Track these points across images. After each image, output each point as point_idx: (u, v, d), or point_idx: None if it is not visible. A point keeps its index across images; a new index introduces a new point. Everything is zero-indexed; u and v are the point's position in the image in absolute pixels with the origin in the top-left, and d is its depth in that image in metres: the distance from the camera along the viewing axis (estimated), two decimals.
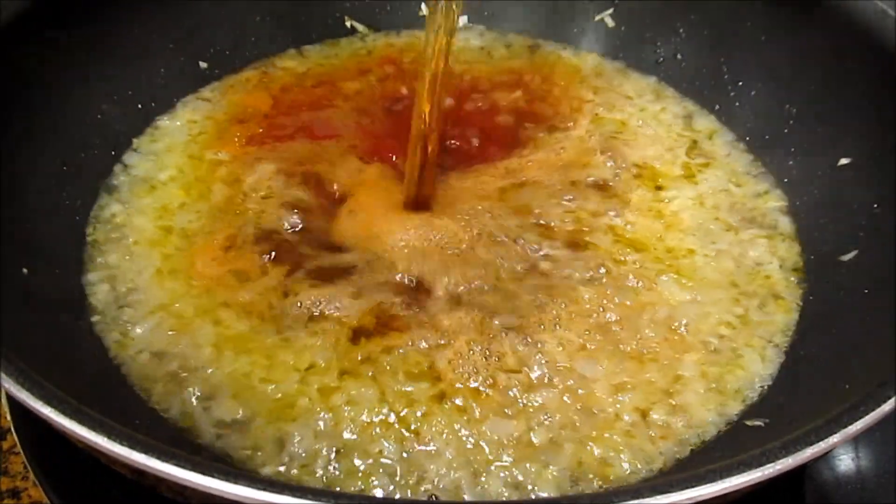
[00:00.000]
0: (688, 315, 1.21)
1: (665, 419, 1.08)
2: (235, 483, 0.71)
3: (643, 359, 1.15)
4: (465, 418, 1.06)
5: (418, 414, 1.06)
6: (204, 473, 0.71)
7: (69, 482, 1.14)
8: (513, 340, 1.15)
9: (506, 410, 1.07)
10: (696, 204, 1.39)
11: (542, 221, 1.32)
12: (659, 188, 1.41)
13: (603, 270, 1.25)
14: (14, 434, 1.18)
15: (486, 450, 1.03)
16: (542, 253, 1.27)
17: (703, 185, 1.43)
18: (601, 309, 1.20)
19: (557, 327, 1.17)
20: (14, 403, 1.20)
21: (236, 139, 1.48)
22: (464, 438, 1.04)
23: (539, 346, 1.14)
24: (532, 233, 1.30)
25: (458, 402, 1.08)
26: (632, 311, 1.20)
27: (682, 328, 1.19)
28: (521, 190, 1.38)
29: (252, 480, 0.71)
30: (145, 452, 0.73)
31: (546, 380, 1.11)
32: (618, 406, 1.09)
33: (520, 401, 1.08)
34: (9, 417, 1.20)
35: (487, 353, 1.13)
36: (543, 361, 1.13)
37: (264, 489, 0.70)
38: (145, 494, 1.07)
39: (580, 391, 1.10)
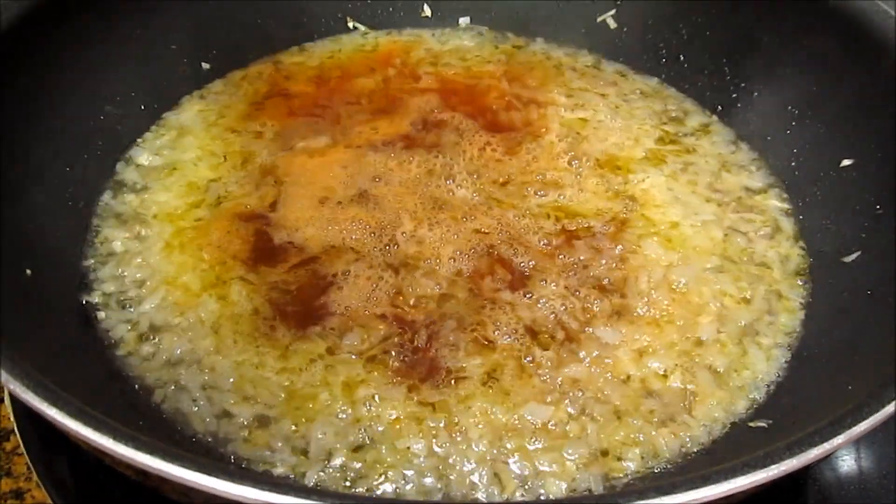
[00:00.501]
0: (685, 275, 1.24)
1: (681, 414, 1.10)
2: (240, 484, 0.71)
3: (660, 322, 1.19)
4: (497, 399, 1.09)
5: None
6: (208, 474, 0.71)
7: (72, 483, 1.14)
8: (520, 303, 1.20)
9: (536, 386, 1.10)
10: (669, 181, 1.41)
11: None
12: (623, 171, 1.43)
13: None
14: (17, 435, 1.18)
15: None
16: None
17: (680, 169, 1.45)
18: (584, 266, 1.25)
19: (553, 285, 1.22)
20: (17, 404, 1.20)
21: (277, 110, 1.53)
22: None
23: (546, 304, 1.19)
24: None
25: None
26: (628, 273, 1.25)
27: (683, 287, 1.23)
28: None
29: (256, 481, 0.71)
30: (150, 453, 0.73)
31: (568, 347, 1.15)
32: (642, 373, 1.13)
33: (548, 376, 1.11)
34: (11, 418, 1.20)
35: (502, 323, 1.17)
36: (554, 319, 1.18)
37: (268, 490, 0.70)
38: (148, 495, 1.08)
39: (607, 360, 1.14)
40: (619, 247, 1.28)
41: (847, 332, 1.14)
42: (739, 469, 0.73)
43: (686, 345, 1.16)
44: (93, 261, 1.26)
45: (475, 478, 1.01)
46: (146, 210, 1.33)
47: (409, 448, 1.03)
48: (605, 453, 1.04)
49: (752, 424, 1.07)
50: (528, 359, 1.13)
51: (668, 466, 1.04)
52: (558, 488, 1.01)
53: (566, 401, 1.08)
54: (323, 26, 1.74)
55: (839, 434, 0.77)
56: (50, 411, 0.77)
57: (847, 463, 1.17)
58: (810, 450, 0.76)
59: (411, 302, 1.19)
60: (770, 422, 1.06)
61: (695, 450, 1.06)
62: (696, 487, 0.70)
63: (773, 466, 0.74)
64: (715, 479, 0.72)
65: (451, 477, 1.01)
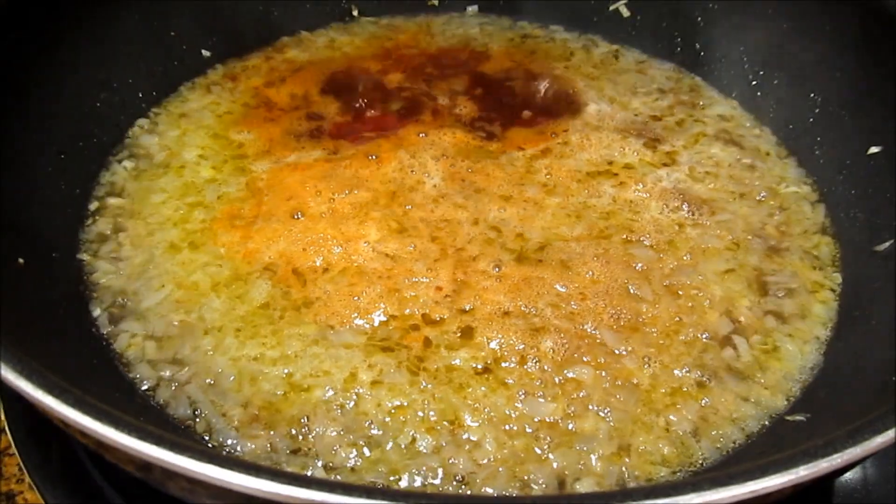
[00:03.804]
0: (691, 277, 1.19)
1: (703, 415, 1.03)
2: (256, 476, 0.65)
3: (671, 325, 1.13)
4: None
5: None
6: (224, 467, 0.65)
7: (66, 485, 1.08)
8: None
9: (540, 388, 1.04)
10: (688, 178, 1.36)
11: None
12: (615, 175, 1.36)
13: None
14: (8, 434, 1.12)
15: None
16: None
17: (696, 163, 1.39)
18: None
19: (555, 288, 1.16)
20: (8, 402, 1.14)
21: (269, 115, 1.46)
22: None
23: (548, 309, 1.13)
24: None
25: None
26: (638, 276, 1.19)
27: (692, 290, 1.17)
28: None
29: (274, 474, 0.65)
30: (156, 444, 0.68)
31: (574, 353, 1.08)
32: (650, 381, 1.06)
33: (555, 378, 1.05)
34: (2, 416, 1.14)
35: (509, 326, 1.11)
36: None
37: (288, 483, 0.65)
38: (143, 495, 1.02)
39: (614, 365, 1.07)
40: (630, 252, 1.22)
41: (882, 321, 1.09)
42: (800, 458, 0.67)
43: (705, 346, 1.11)
44: (88, 255, 1.21)
45: (487, 473, 0.96)
46: (143, 203, 1.28)
47: (413, 442, 0.99)
48: (628, 449, 0.99)
49: (789, 418, 1.02)
50: (533, 360, 1.07)
51: (705, 464, 0.99)
52: (586, 484, 0.95)
53: (574, 398, 1.03)
54: (326, 15, 1.70)
55: None
56: (46, 399, 0.71)
57: None
58: (874, 438, 0.70)
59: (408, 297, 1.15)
60: (808, 415, 1.01)
61: (730, 447, 1.01)
62: (756, 478, 0.65)
63: (835, 455, 0.68)
64: (774, 469, 0.66)
65: (459, 470, 0.96)
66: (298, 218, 1.24)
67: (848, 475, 1.11)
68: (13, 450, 1.11)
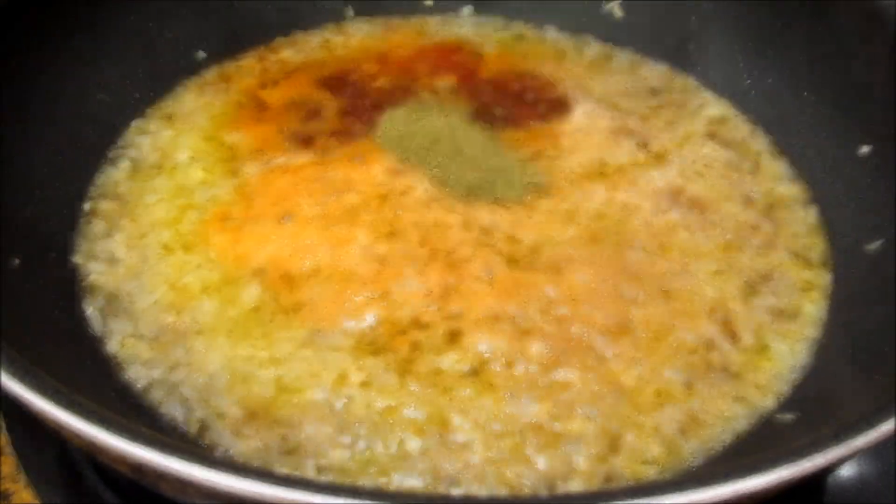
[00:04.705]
0: (682, 279, 1.18)
1: (692, 415, 1.04)
2: (244, 477, 0.65)
3: (660, 334, 1.12)
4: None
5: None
6: (211, 468, 0.66)
7: (62, 484, 1.09)
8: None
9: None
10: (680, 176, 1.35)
11: None
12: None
13: None
14: (5, 433, 1.12)
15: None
16: None
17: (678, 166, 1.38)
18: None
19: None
20: (4, 401, 1.15)
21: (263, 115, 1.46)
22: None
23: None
24: None
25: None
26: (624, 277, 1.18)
27: (683, 292, 1.17)
28: None
29: (263, 475, 0.66)
30: (147, 445, 0.68)
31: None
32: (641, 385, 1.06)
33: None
34: None
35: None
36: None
37: (275, 484, 0.65)
38: (140, 496, 1.03)
39: (602, 367, 1.07)
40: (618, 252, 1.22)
41: (873, 321, 1.09)
42: (783, 458, 0.68)
43: (695, 347, 1.11)
44: (82, 255, 1.21)
45: (475, 474, 0.97)
46: (137, 205, 1.28)
47: (402, 443, 0.99)
48: (616, 450, 1.00)
49: (779, 418, 1.03)
50: (520, 363, 1.07)
51: (694, 464, 0.99)
52: (574, 485, 0.96)
53: (561, 400, 1.03)
54: (321, 15, 1.69)
55: (888, 420, 0.72)
56: (37, 401, 0.72)
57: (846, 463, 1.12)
58: (858, 438, 0.70)
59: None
60: (798, 414, 1.02)
61: (720, 447, 1.01)
62: (740, 478, 0.65)
63: (818, 455, 0.69)
64: (757, 469, 0.67)
65: (447, 471, 0.97)
66: (288, 221, 1.24)
67: (844, 472, 1.12)
68: (9, 449, 1.12)
